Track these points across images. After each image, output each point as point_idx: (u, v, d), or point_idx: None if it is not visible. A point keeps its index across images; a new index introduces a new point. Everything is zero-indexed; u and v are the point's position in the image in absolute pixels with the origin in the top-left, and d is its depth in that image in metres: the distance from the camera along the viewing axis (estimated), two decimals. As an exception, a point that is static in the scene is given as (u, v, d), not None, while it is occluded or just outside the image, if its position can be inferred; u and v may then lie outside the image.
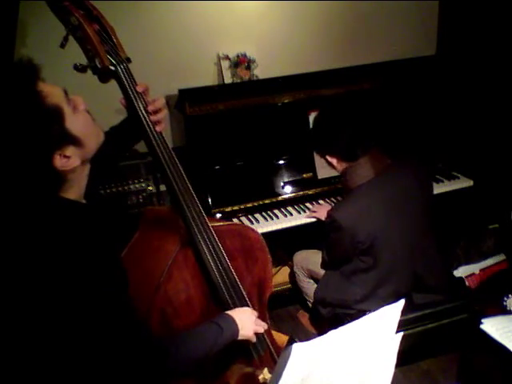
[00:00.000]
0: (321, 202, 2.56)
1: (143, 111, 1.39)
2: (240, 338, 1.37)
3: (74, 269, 1.06)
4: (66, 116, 1.08)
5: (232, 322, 1.35)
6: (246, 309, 1.45)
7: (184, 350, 1.23)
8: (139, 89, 1.37)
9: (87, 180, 1.21)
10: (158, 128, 1.41)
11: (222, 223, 1.64)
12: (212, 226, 1.48)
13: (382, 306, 1.96)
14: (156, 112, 1.40)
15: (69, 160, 1.09)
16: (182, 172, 1.44)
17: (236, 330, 1.35)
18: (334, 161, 2.05)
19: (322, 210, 2.39)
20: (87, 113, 1.18)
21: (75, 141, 1.10)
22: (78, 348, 1.08)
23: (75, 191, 1.16)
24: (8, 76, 1.04)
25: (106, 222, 1.28)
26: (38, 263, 1.06)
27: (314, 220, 2.42)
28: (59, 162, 1.07)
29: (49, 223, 1.10)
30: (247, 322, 1.40)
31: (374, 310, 1.15)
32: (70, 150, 1.09)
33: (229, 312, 1.39)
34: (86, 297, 1.06)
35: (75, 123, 1.10)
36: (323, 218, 2.31)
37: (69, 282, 1.05)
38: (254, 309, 1.55)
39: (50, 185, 1.11)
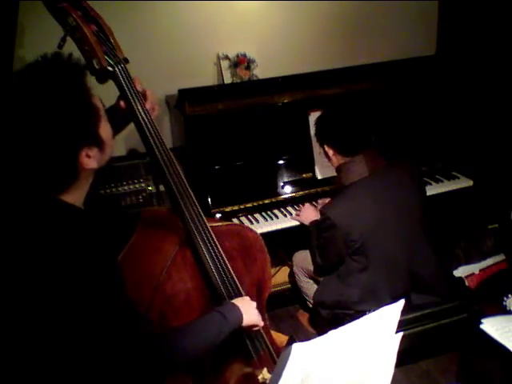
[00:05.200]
0: (320, 201, 2.55)
1: (141, 111, 1.39)
2: (245, 323, 1.38)
3: (66, 270, 1.07)
4: (102, 119, 1.16)
5: (236, 309, 1.36)
6: (243, 297, 1.46)
7: (191, 339, 1.25)
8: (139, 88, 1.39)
9: (89, 188, 1.23)
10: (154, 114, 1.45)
11: (220, 224, 1.64)
12: (211, 227, 1.48)
13: (381, 305, 1.96)
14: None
15: (90, 160, 1.13)
16: (181, 173, 1.45)
17: (240, 317, 1.36)
18: (330, 152, 2.05)
19: (305, 212, 2.37)
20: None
21: (101, 144, 1.16)
22: (75, 346, 1.09)
23: (77, 196, 1.18)
24: (62, 66, 1.10)
25: (103, 226, 1.30)
26: (32, 264, 1.08)
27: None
28: (84, 158, 1.11)
29: (46, 224, 1.11)
30: (249, 308, 1.41)
31: (374, 310, 1.15)
32: (94, 152, 1.14)
33: (231, 301, 1.40)
34: (76, 297, 1.07)
35: (105, 129, 1.17)
36: (306, 223, 2.30)
37: (61, 282, 1.06)
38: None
39: (66, 178, 1.13)
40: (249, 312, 1.39)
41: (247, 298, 1.46)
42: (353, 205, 1.94)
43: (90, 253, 1.12)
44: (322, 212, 2.00)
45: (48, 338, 1.09)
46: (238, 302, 1.40)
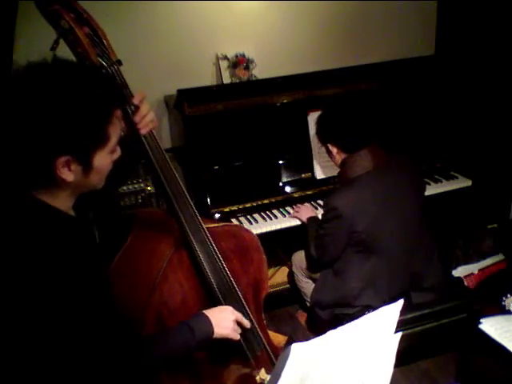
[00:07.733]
0: (321, 201, 2.55)
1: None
2: (216, 336, 1.34)
3: (47, 274, 1.06)
4: (105, 149, 1.13)
5: (206, 321, 1.33)
6: (225, 307, 1.43)
7: (157, 352, 1.25)
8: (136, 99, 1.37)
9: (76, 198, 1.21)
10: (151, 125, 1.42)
11: (216, 224, 1.64)
12: (206, 228, 1.48)
13: (383, 298, 1.96)
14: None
15: (66, 172, 1.09)
16: (175, 174, 1.45)
17: (210, 330, 1.32)
18: (334, 150, 2.06)
19: (302, 210, 2.41)
20: (112, 164, 1.21)
21: (87, 168, 1.12)
22: (52, 350, 1.08)
23: (62, 201, 1.16)
24: (104, 90, 1.11)
25: (92, 231, 1.29)
26: (13, 268, 1.06)
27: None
28: (60, 166, 1.08)
29: (28, 228, 1.10)
30: (224, 320, 1.37)
31: (375, 305, 1.15)
32: (77, 168, 1.10)
33: (205, 311, 1.37)
34: (55, 303, 1.06)
35: (101, 160, 1.14)
36: (304, 219, 2.34)
37: (41, 288, 1.05)
38: (250, 309, 1.56)
39: (38, 175, 1.10)
40: (221, 325, 1.35)
41: (227, 307, 1.42)
42: (358, 196, 1.95)
43: (63, 254, 1.10)
44: (327, 203, 2.00)
45: (19, 342, 1.08)
46: (214, 312, 1.37)
